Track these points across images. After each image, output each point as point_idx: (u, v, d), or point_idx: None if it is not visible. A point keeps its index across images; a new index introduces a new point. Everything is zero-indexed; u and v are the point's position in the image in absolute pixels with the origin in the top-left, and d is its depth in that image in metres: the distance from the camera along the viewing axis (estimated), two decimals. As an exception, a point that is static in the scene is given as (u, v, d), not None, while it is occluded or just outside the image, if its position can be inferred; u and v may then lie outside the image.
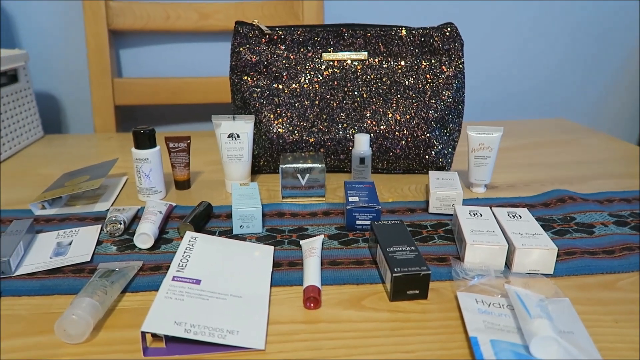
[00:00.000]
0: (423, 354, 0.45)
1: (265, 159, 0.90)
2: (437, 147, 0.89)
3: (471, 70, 1.36)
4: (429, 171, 0.81)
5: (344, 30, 0.90)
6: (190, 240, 0.59)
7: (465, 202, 0.77)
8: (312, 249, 0.60)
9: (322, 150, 0.89)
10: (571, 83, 1.45)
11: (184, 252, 0.56)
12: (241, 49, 0.90)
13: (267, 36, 0.90)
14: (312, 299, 0.51)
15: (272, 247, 0.62)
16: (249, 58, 0.89)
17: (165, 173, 0.89)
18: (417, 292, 0.52)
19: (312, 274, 0.54)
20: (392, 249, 0.55)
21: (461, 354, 0.45)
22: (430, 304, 0.52)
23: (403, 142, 0.88)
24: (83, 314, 0.47)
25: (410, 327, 0.49)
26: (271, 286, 0.55)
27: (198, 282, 0.52)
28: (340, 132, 0.89)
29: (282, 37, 0.90)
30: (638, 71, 1.47)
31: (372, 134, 0.88)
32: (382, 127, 0.88)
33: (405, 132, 0.88)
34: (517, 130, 1.20)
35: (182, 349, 0.45)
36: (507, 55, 1.38)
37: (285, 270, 0.58)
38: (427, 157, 0.89)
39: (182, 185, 0.84)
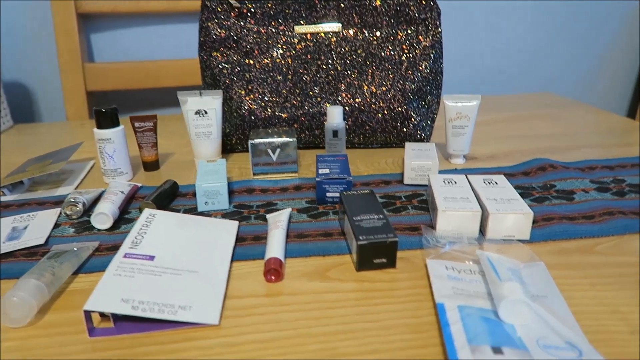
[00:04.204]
0: (388, 322, 0.42)
1: (237, 137, 0.87)
2: (415, 119, 0.86)
3: (458, 44, 1.33)
4: (406, 143, 0.79)
5: (316, 1, 0.86)
6: (148, 217, 0.56)
7: (443, 173, 0.74)
8: (278, 221, 0.57)
9: (295, 125, 0.86)
10: (561, 58, 1.42)
11: (140, 229, 0.53)
12: (209, 24, 0.86)
13: (236, 10, 0.86)
14: (273, 271, 0.48)
15: (236, 222, 0.59)
16: (217, 33, 0.86)
17: (135, 156, 0.86)
18: (384, 260, 0.49)
19: (274, 247, 0.51)
20: (359, 218, 0.52)
21: (428, 321, 0.42)
22: (399, 272, 0.50)
23: (379, 115, 0.85)
24: (25, 295, 0.43)
25: (376, 297, 0.46)
26: (232, 261, 0.52)
27: (152, 258, 0.49)
28: (315, 107, 0.86)
29: (252, 10, 0.86)
30: (628, 45, 1.44)
31: (347, 108, 0.85)
32: (357, 100, 0.85)
33: (381, 104, 0.85)
34: (502, 104, 1.18)
35: (132, 327, 0.42)
36: (495, 29, 1.35)
37: (249, 245, 0.55)
38: (404, 129, 0.86)
39: (151, 166, 0.81)
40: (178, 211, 0.64)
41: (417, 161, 0.69)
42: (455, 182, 0.62)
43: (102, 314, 0.44)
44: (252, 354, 0.39)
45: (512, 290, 0.40)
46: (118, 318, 0.43)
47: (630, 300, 0.45)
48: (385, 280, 0.48)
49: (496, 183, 0.61)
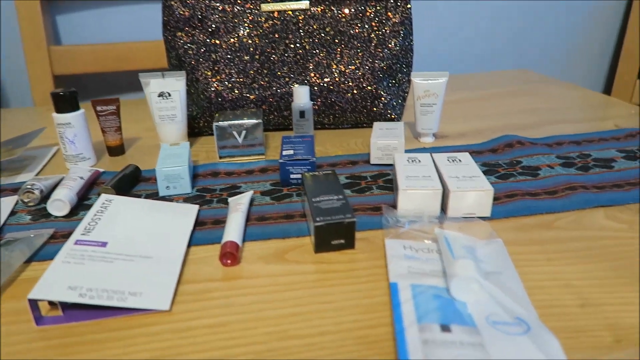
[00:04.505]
0: (342, 303, 0.42)
1: (204, 120, 0.85)
2: (386, 98, 0.85)
3: (435, 22, 1.31)
4: (374, 122, 0.78)
5: (282, -23, 0.84)
6: (103, 203, 0.54)
7: (411, 152, 0.74)
8: (238, 205, 0.56)
9: (264, 107, 0.84)
10: (540, 35, 1.41)
11: (94, 215, 0.52)
12: (172, 2, 0.83)
13: (200, -13, 0.83)
14: (229, 254, 0.47)
15: (196, 206, 0.58)
16: (181, 12, 0.83)
17: (99, 141, 0.84)
18: (342, 241, 0.49)
19: (232, 230, 0.50)
20: (318, 199, 0.51)
21: (381, 301, 0.42)
22: (358, 253, 0.49)
23: (349, 94, 0.84)
24: (-29, 284, 0.42)
25: (333, 278, 0.46)
26: (190, 246, 0.51)
27: (104, 244, 0.47)
28: (283, 87, 0.84)
29: (216, -13, 0.83)
30: (607, 23, 1.43)
31: (316, 88, 0.83)
32: (326, 79, 0.84)
33: (350, 83, 0.84)
34: (478, 82, 1.17)
35: (81, 315, 0.42)
36: (470, 6, 1.33)
37: (208, 229, 0.54)
38: (375, 109, 0.85)
39: (115, 151, 0.79)
40: (139, 196, 0.63)
41: (383, 140, 0.69)
42: (419, 161, 0.61)
43: (51, 303, 0.43)
44: (201, 338, 0.39)
45: (464, 268, 0.40)
46: (67, 306, 0.42)
47: (584, 274, 0.45)
48: (344, 261, 0.48)
49: (460, 161, 0.61)
